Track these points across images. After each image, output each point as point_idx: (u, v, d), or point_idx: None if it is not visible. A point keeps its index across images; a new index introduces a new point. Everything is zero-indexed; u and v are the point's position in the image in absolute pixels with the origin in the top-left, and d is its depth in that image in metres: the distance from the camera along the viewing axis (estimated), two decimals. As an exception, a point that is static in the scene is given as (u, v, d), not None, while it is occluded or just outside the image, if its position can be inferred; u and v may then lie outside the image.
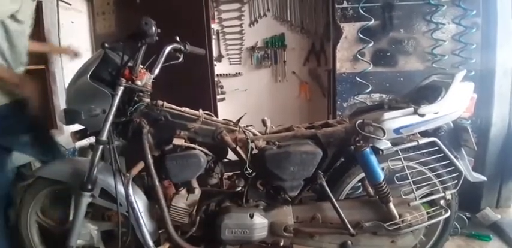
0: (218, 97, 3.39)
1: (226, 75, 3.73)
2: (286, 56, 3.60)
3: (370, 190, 1.70)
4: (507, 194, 2.54)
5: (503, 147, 2.50)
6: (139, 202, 1.51)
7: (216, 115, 3.10)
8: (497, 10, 2.43)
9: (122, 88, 1.41)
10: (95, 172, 1.43)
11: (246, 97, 3.75)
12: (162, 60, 1.56)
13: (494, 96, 2.48)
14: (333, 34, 2.88)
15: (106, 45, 1.40)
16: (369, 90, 2.73)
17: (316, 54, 3.47)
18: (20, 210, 1.62)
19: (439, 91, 1.57)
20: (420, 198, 1.62)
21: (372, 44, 2.70)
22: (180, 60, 1.67)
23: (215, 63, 3.37)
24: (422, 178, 1.64)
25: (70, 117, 1.42)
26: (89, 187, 1.43)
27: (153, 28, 1.34)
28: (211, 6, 3.41)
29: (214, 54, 3.46)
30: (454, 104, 1.56)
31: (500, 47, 2.45)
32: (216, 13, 3.64)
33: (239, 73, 3.70)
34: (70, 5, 3.12)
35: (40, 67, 2.78)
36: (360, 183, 1.75)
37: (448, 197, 1.66)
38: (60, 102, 2.88)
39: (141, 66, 1.48)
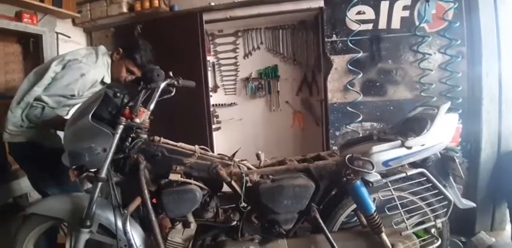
0: (214, 126, 3.45)
1: (222, 105, 3.80)
2: (280, 86, 3.68)
3: (364, 220, 1.70)
4: (501, 217, 2.56)
5: (494, 171, 2.54)
6: (137, 237, 1.52)
7: (212, 144, 3.19)
8: (481, 39, 2.53)
9: (122, 127, 1.46)
10: (93, 208, 1.45)
11: (241, 126, 3.79)
12: (157, 96, 1.61)
13: (482, 121, 2.54)
14: (323, 66, 2.99)
15: (110, 91, 1.48)
16: (360, 119, 2.81)
17: (308, 84, 3.55)
18: (14, 246, 1.60)
19: (425, 123, 1.63)
20: (412, 227, 1.65)
21: (361, 74, 2.80)
22: (172, 94, 1.73)
23: (211, 93, 3.44)
24: (413, 207, 1.67)
25: (74, 158, 1.45)
26: (88, 223, 1.45)
27: (162, 77, 1.42)
28: (207, 39, 3.55)
29: (210, 85, 3.53)
30: (440, 136, 1.61)
31: (486, 74, 2.53)
32: (211, 46, 3.76)
33: (234, 103, 3.77)
34: (69, 37, 3.28)
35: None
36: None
37: (439, 225, 1.68)
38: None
39: (140, 105, 1.53)
